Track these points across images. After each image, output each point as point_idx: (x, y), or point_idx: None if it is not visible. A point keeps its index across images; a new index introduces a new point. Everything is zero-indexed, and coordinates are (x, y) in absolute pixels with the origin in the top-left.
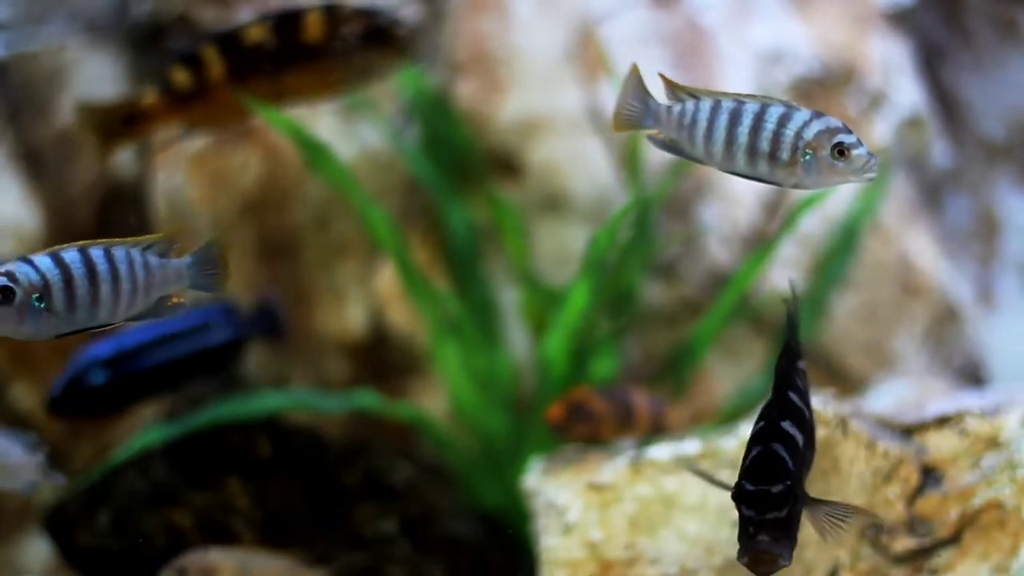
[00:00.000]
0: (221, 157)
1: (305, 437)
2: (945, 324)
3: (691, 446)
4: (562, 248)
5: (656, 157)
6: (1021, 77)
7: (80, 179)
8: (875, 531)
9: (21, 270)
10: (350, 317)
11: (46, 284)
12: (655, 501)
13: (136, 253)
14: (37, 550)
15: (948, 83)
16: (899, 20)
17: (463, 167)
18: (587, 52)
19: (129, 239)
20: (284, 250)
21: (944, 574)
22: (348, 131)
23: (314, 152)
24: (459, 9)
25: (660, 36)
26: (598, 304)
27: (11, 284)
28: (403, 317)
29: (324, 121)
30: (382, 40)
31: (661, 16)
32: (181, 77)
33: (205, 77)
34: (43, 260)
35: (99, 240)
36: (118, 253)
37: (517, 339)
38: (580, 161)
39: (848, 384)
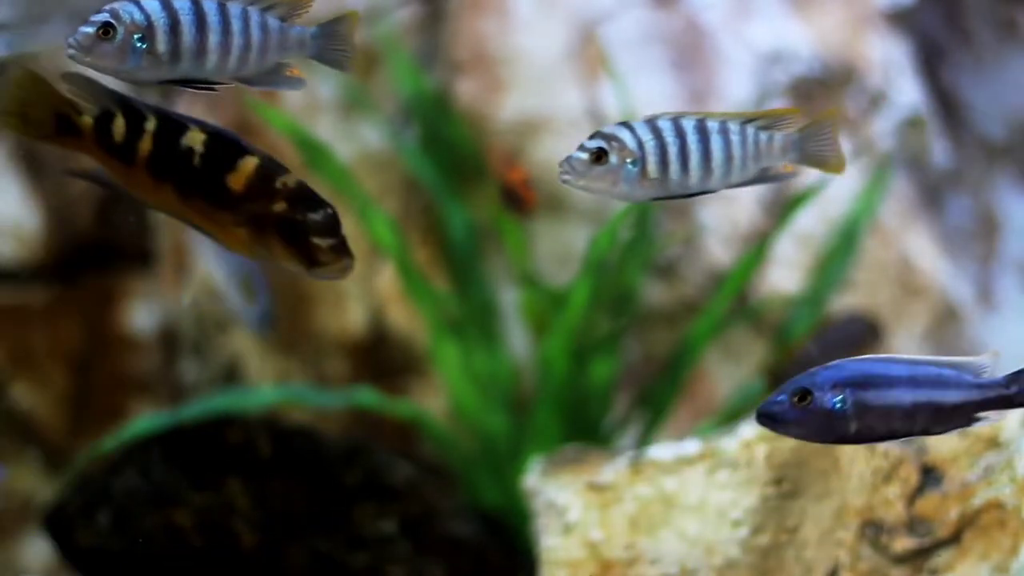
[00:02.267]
0: None
1: (305, 437)
2: (945, 324)
3: (691, 446)
4: (562, 248)
5: None
6: (1021, 77)
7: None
8: (875, 531)
9: (125, 9)
10: (350, 317)
11: (150, 25)
12: (655, 501)
13: (254, 11)
14: (37, 550)
15: (948, 83)
16: (899, 20)
17: (463, 167)
18: (587, 52)
19: None
20: None
21: (944, 574)
22: (348, 131)
23: (314, 152)
24: (459, 9)
25: (660, 36)
26: (598, 304)
27: (112, 21)
28: (403, 317)
29: (324, 121)
30: (295, 239)
31: (661, 16)
32: (119, 127)
33: (134, 145)
34: (151, 2)
35: None
36: (234, 8)
37: (517, 339)
38: None
39: None
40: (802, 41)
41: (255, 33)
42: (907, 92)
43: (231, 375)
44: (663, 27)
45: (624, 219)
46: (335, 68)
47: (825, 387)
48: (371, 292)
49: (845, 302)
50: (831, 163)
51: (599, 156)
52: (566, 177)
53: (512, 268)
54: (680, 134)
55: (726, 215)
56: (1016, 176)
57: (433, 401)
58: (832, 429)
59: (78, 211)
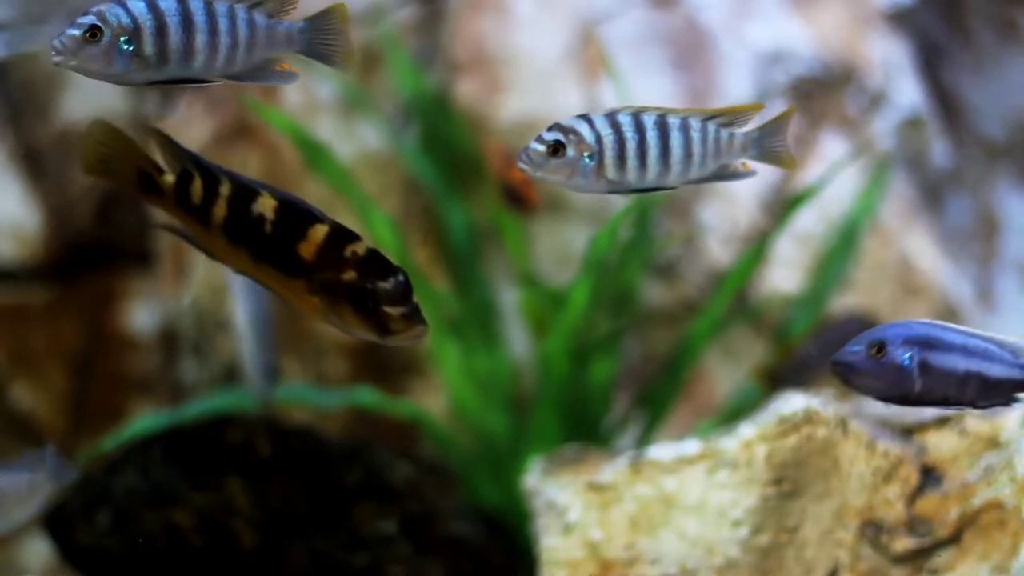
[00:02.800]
0: (221, 157)
1: (305, 437)
2: None
3: (691, 446)
4: (562, 248)
5: None
6: (1021, 77)
7: (80, 179)
8: (875, 531)
9: (112, 11)
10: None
11: (136, 27)
12: (655, 501)
13: (241, 9)
14: (37, 550)
15: (948, 83)
16: (899, 20)
17: (463, 167)
18: (587, 52)
19: None
20: None
21: (944, 574)
22: (348, 131)
23: (314, 152)
24: (459, 9)
25: (660, 36)
26: (598, 304)
27: (99, 23)
28: None
29: (324, 121)
30: (367, 307)
31: (661, 16)
32: (197, 190)
33: (211, 209)
34: (136, 3)
35: None
36: (220, 7)
37: (517, 339)
38: None
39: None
40: (802, 41)
41: (242, 31)
42: (907, 92)
43: (231, 375)
44: (663, 27)
45: (624, 219)
46: (326, 63)
47: (897, 342)
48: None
49: (845, 302)
50: (785, 160)
51: (556, 149)
52: (523, 167)
53: (512, 268)
54: (640, 129)
55: (726, 215)
56: (1016, 176)
57: (433, 401)
58: (900, 385)
59: (78, 211)
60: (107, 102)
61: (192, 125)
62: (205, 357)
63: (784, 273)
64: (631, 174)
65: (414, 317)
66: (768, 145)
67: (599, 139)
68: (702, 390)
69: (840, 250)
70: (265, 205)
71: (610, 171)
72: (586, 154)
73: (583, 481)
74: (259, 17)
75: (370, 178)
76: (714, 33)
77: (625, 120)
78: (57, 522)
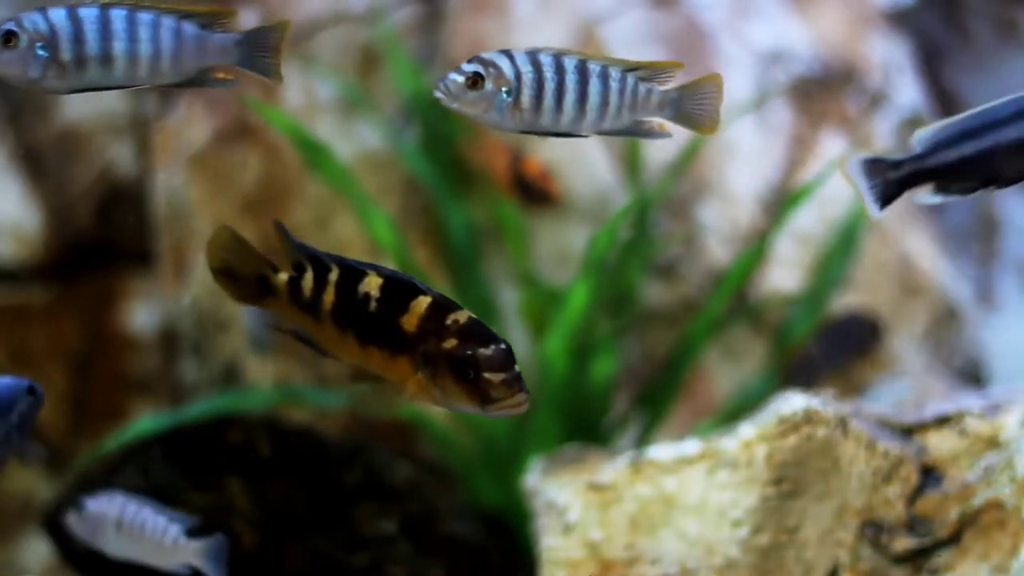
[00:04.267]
0: (221, 157)
1: (305, 437)
2: (945, 324)
3: (691, 446)
4: (562, 248)
5: (656, 157)
6: (1021, 77)
7: (80, 179)
8: (875, 531)
9: (30, 17)
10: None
11: (53, 33)
12: (655, 501)
13: (169, 19)
14: (37, 550)
15: (948, 83)
16: (899, 20)
17: (463, 167)
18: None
19: (168, 5)
20: None
21: (944, 574)
22: (348, 131)
23: (314, 152)
24: (459, 9)
25: (660, 36)
26: (598, 304)
27: (15, 29)
28: None
29: (324, 121)
30: (468, 375)
31: (661, 16)
32: (307, 283)
33: (320, 298)
34: (57, 11)
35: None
36: (145, 16)
37: (517, 339)
38: (580, 161)
39: (848, 384)
40: (802, 41)
41: (167, 40)
42: (907, 92)
43: (231, 375)
44: (663, 27)
45: (624, 219)
46: (262, 76)
47: None
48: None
49: (845, 301)
50: (705, 125)
51: (475, 81)
52: (439, 96)
53: (512, 268)
54: (559, 71)
55: (726, 215)
56: None
57: None
58: None
59: (78, 211)
60: (107, 102)
61: (192, 125)
62: (205, 357)
63: (784, 273)
64: (546, 115)
65: (516, 384)
66: (686, 107)
67: (518, 75)
68: (702, 390)
69: (840, 250)
70: (371, 284)
71: (525, 109)
72: (504, 89)
73: (583, 481)
74: (189, 27)
75: (370, 178)
76: (714, 33)
77: (546, 60)
78: (57, 522)
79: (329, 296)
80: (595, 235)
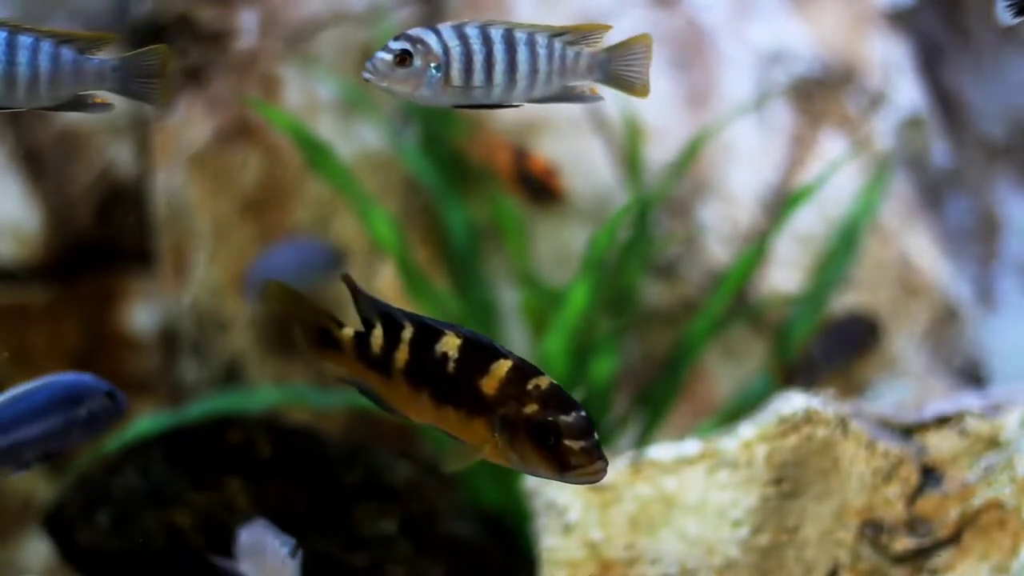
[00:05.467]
0: (221, 157)
1: (305, 437)
2: (945, 324)
3: (691, 446)
4: (562, 248)
5: (657, 157)
6: (1021, 77)
7: (80, 179)
8: (875, 531)
9: None
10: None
11: None
12: (655, 501)
13: (47, 43)
14: (37, 550)
15: (948, 83)
16: (899, 20)
17: (463, 167)
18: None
19: (47, 29)
20: None
21: (944, 574)
22: (348, 131)
23: (314, 152)
24: (459, 9)
25: (660, 36)
26: (598, 304)
27: None
28: None
29: (324, 121)
30: (548, 441)
31: (661, 16)
32: (377, 339)
33: (391, 356)
34: None
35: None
36: (24, 39)
37: (517, 339)
38: (580, 161)
39: (848, 384)
40: (802, 41)
41: (44, 64)
42: (907, 92)
43: (231, 375)
44: (663, 27)
45: (623, 218)
46: (143, 102)
47: None
48: (371, 292)
49: (845, 301)
50: (636, 87)
51: (403, 58)
52: (368, 76)
53: (512, 268)
54: (487, 43)
55: (726, 215)
56: (1016, 176)
57: None
58: None
59: (78, 211)
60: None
61: (192, 125)
62: (205, 357)
63: (784, 273)
64: (477, 87)
65: (595, 452)
66: (615, 69)
67: (446, 50)
68: (702, 390)
69: (840, 250)
70: (449, 344)
71: (456, 83)
72: (433, 65)
73: None
74: (67, 51)
75: (370, 178)
76: (714, 33)
77: (472, 32)
78: (57, 522)
79: (403, 354)
80: (595, 235)
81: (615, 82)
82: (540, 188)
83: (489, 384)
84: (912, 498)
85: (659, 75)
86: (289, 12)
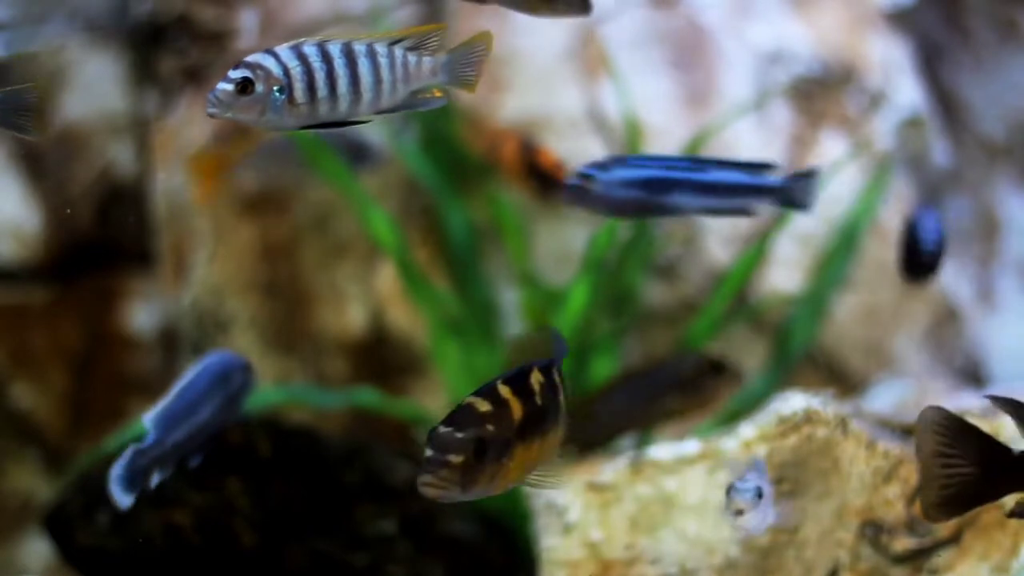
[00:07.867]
0: (220, 157)
1: (305, 437)
2: (945, 324)
3: (691, 446)
4: (562, 248)
5: None
6: (1021, 77)
7: (80, 179)
8: (875, 531)
9: None
10: (350, 317)
11: None
12: (655, 501)
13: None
14: (37, 550)
15: (948, 83)
16: (899, 20)
17: (463, 167)
18: (587, 52)
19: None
20: (284, 250)
21: (944, 574)
22: (348, 130)
23: (314, 152)
24: (459, 9)
25: (660, 36)
26: (598, 304)
27: None
28: (403, 317)
29: None
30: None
31: (661, 16)
32: (505, 392)
33: (509, 416)
34: None
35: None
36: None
37: None
38: (580, 161)
39: (848, 384)
40: (802, 41)
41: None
42: (907, 92)
43: None
44: (663, 27)
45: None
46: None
47: None
48: (371, 292)
49: (845, 301)
50: (470, 83)
51: (245, 86)
52: (212, 111)
53: (512, 268)
54: (327, 59)
55: None
56: (1016, 176)
57: (433, 401)
58: None
59: (78, 211)
60: (107, 102)
61: (192, 125)
62: None
63: (784, 273)
64: (323, 105)
65: (426, 465)
66: (457, 69)
67: (287, 71)
68: None
69: (840, 250)
70: None
71: (301, 104)
72: (275, 88)
73: (583, 481)
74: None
75: (370, 178)
76: (714, 33)
77: (311, 51)
78: (57, 522)
79: None
80: (595, 235)
81: (456, 82)
82: (549, 182)
83: None
84: (912, 498)
85: (659, 75)
86: (289, 12)
